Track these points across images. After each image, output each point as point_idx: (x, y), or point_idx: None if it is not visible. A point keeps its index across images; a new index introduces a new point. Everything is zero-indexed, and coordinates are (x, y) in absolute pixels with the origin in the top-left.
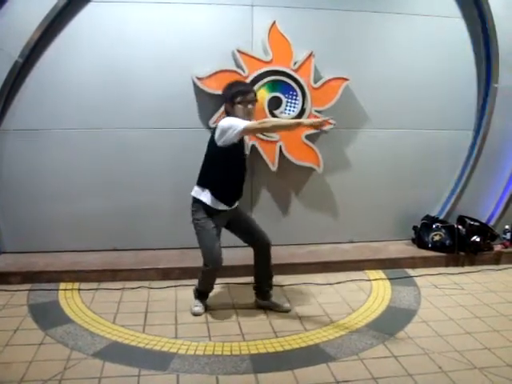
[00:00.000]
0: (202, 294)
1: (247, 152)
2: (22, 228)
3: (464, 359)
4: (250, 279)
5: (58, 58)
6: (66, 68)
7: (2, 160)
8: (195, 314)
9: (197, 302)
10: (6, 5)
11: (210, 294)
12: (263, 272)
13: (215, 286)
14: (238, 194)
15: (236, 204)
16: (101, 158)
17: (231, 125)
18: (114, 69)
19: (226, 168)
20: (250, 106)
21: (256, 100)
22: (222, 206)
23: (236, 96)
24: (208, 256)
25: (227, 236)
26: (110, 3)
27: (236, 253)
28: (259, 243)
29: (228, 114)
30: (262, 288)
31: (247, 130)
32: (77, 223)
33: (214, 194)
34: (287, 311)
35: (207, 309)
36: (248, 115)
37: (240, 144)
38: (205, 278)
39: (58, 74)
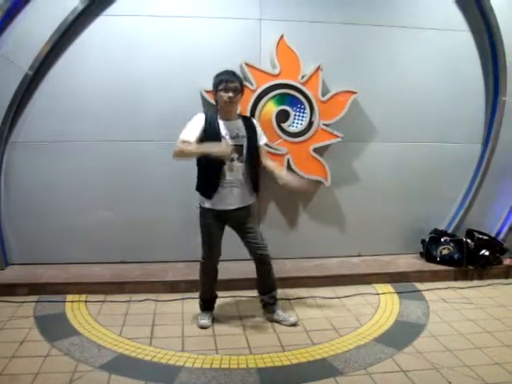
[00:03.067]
0: (206, 303)
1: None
2: (30, 240)
3: (474, 374)
4: (257, 292)
5: (68, 71)
6: (75, 81)
7: (10, 172)
8: (201, 327)
9: (203, 314)
10: (17, 18)
11: (217, 306)
12: (262, 285)
13: (222, 299)
14: (216, 189)
15: (234, 207)
16: (109, 171)
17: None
18: (122, 82)
19: (203, 166)
20: (230, 94)
21: (239, 90)
22: (210, 204)
23: (219, 83)
24: (204, 248)
25: (233, 249)
26: (118, 17)
27: (242, 266)
28: (253, 255)
29: (216, 103)
30: (265, 301)
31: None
32: (84, 235)
33: (200, 192)
34: (293, 325)
35: (214, 320)
36: (226, 104)
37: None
38: (202, 276)
39: (67, 86)
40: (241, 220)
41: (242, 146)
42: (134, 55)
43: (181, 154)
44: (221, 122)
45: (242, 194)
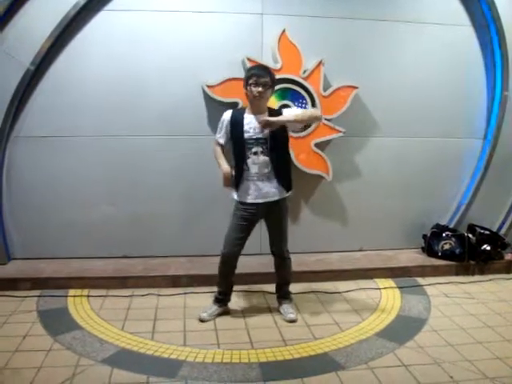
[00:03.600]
0: (218, 295)
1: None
2: (32, 234)
3: (475, 369)
4: (260, 287)
5: (69, 66)
6: (77, 76)
7: (12, 167)
8: (199, 319)
9: (209, 307)
10: (18, 14)
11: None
12: (276, 274)
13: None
14: (241, 181)
15: (257, 201)
16: (111, 166)
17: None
18: (124, 77)
19: (234, 158)
20: (259, 89)
21: (269, 85)
22: (237, 196)
23: (250, 78)
24: (224, 240)
25: None
26: (120, 11)
27: (247, 260)
28: (271, 251)
29: (246, 96)
30: (277, 292)
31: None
32: (86, 230)
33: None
34: (291, 321)
35: (219, 315)
36: (255, 99)
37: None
38: (219, 265)
39: (68, 81)
40: (266, 215)
41: (266, 139)
42: (135, 50)
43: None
44: (247, 117)
45: (267, 189)
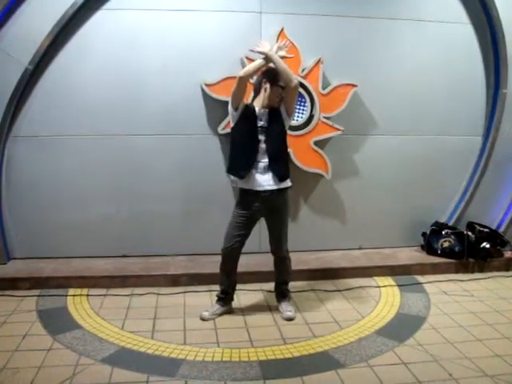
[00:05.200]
0: (220, 293)
1: (262, 122)
2: (31, 234)
3: (475, 366)
4: (259, 286)
5: (68, 65)
6: (76, 75)
7: (12, 166)
8: (201, 318)
9: (211, 306)
10: (17, 13)
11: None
12: (275, 272)
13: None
14: (249, 164)
15: (263, 188)
16: (110, 165)
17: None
18: (123, 75)
19: (236, 144)
20: (283, 93)
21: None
22: (240, 184)
23: (279, 80)
24: (224, 237)
25: None
26: (119, 10)
27: (244, 259)
28: (271, 250)
29: (257, 93)
30: (275, 290)
31: (233, 93)
32: (86, 229)
33: (229, 171)
34: (289, 319)
35: (221, 314)
36: (278, 97)
37: (248, 116)
38: (220, 264)
39: (67, 80)
40: (266, 212)
41: (265, 128)
42: (134, 49)
43: (248, 70)
44: (256, 108)
45: (270, 177)
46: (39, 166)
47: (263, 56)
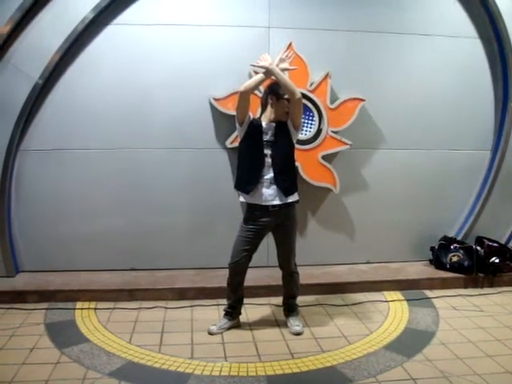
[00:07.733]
0: (228, 308)
1: (268, 137)
2: (40, 247)
3: (485, 383)
4: (267, 300)
5: (77, 80)
6: (85, 89)
7: (21, 179)
8: (208, 332)
9: (219, 320)
10: (27, 28)
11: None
12: (284, 291)
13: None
14: (255, 178)
15: (269, 203)
16: (118, 178)
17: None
18: (131, 90)
19: (243, 159)
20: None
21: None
22: (247, 198)
23: (284, 94)
24: (232, 251)
25: None
26: (127, 25)
27: (252, 273)
28: (279, 265)
29: (264, 108)
30: (283, 305)
31: (236, 108)
32: (94, 243)
33: (236, 186)
34: (297, 334)
35: (229, 329)
36: (285, 111)
37: (253, 131)
38: (227, 278)
39: (76, 95)
40: (274, 227)
41: (272, 142)
42: (143, 63)
43: (249, 85)
44: (263, 122)
45: (276, 192)
46: (48, 179)
47: (264, 70)
